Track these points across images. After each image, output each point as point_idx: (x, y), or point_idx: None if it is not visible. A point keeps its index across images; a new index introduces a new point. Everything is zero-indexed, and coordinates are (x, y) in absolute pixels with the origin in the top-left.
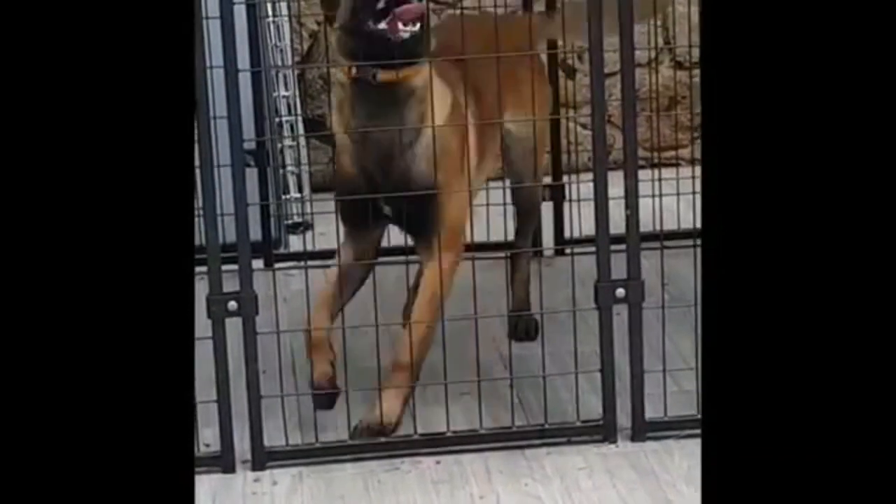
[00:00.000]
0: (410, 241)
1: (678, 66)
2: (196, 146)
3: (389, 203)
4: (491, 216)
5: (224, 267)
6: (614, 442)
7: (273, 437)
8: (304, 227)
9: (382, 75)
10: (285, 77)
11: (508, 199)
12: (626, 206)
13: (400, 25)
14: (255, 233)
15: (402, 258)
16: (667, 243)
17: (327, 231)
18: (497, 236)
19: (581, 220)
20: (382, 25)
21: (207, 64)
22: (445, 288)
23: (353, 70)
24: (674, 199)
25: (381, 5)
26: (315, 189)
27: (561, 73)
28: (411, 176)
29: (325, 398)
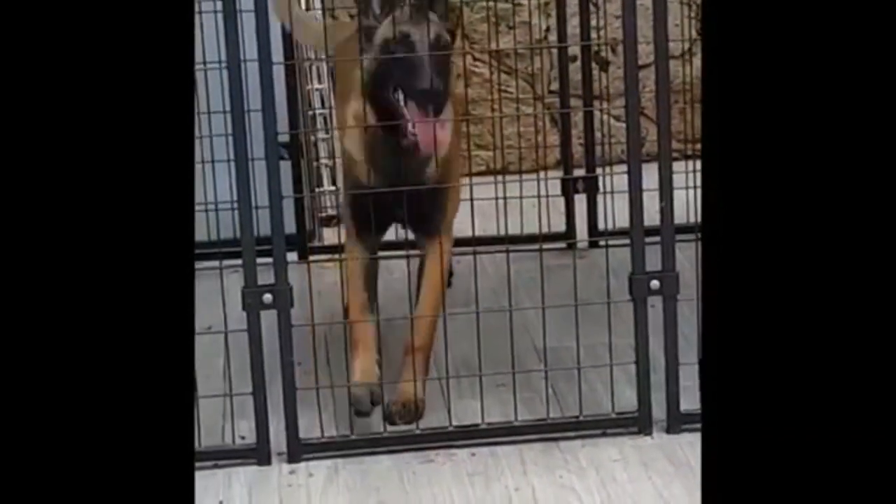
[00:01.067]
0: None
1: None
2: (231, 140)
3: (402, 208)
4: (525, 209)
5: (259, 260)
6: (649, 434)
7: (308, 430)
8: (338, 219)
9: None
10: (319, 70)
11: (543, 192)
12: (661, 198)
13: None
14: (290, 226)
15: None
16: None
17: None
18: (531, 228)
19: (615, 213)
20: (408, 127)
21: (242, 57)
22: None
23: (378, 133)
24: None
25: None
26: None
27: (594, 65)
28: (426, 181)
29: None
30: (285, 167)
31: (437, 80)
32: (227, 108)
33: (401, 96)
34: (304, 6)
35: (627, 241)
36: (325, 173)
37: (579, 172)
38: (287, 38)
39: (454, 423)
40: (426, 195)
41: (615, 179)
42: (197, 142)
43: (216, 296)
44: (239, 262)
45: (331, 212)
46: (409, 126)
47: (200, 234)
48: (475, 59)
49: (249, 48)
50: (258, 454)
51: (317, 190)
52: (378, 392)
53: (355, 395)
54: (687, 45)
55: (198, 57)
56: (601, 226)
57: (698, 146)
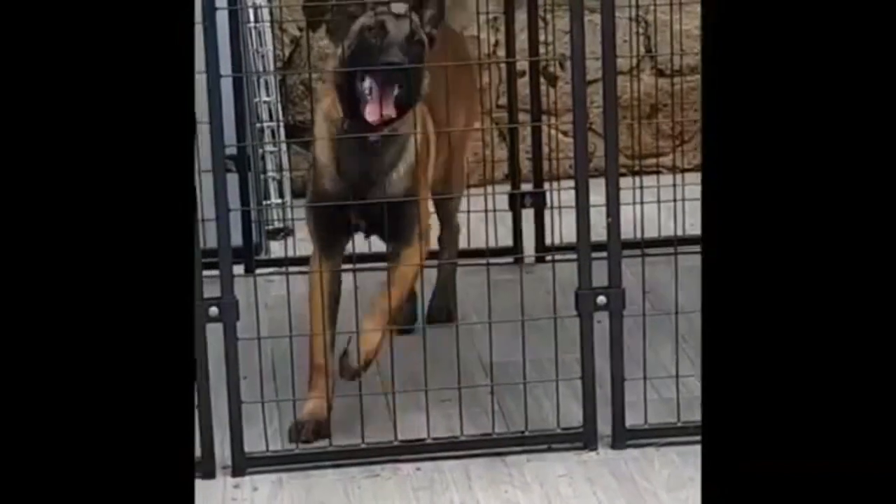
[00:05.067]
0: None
1: (660, 73)
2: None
3: (364, 217)
4: (472, 223)
5: (205, 272)
6: (595, 449)
7: (254, 443)
8: (284, 232)
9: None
10: (267, 83)
11: (490, 206)
12: (608, 214)
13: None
14: (236, 238)
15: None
16: (648, 251)
17: (308, 237)
18: (478, 243)
19: (562, 228)
20: (364, 110)
21: None
22: (415, 281)
23: (344, 124)
24: (655, 206)
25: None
26: (296, 195)
27: (542, 81)
28: (391, 194)
29: (311, 432)
30: (232, 180)
31: (399, 55)
32: None
33: (367, 85)
34: (252, 19)
35: (574, 256)
36: (273, 186)
37: (527, 187)
38: (235, 50)
39: (400, 437)
40: (394, 203)
41: (562, 195)
42: None
43: None
44: None
45: (278, 224)
46: (363, 103)
47: None
48: None
49: (197, 60)
50: (203, 468)
51: (264, 203)
52: (324, 427)
53: (300, 423)
54: (635, 62)
55: None
56: (548, 241)
57: (645, 162)
